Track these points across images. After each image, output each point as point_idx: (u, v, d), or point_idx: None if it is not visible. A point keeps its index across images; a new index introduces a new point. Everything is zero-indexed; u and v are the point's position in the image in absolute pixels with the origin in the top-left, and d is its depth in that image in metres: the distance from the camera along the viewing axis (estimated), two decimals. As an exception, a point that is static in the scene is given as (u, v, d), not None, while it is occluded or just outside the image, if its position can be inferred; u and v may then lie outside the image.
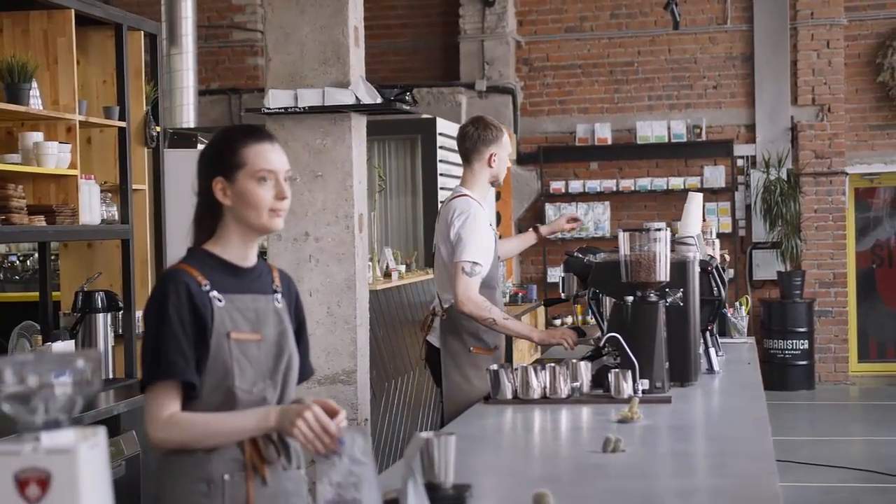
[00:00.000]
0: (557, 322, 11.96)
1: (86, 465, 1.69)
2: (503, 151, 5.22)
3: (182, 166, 6.12)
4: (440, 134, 9.81)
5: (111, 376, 5.39)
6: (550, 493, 2.58)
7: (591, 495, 2.88)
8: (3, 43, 5.19)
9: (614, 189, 12.48)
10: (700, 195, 5.68)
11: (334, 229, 5.73)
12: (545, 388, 4.15)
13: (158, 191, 5.95)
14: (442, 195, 9.71)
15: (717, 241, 6.61)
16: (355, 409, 5.60)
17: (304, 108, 5.64)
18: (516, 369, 4.18)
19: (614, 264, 4.40)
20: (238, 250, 2.80)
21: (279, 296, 2.84)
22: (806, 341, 12.01)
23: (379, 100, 5.66)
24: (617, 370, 4.14)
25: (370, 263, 7.01)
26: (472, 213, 5.01)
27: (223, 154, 2.77)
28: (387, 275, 7.77)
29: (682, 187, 12.19)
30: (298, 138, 5.69)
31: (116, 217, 5.50)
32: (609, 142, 12.59)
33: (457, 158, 9.79)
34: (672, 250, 4.46)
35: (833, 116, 12.32)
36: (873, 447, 9.39)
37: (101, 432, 1.75)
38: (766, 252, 12.37)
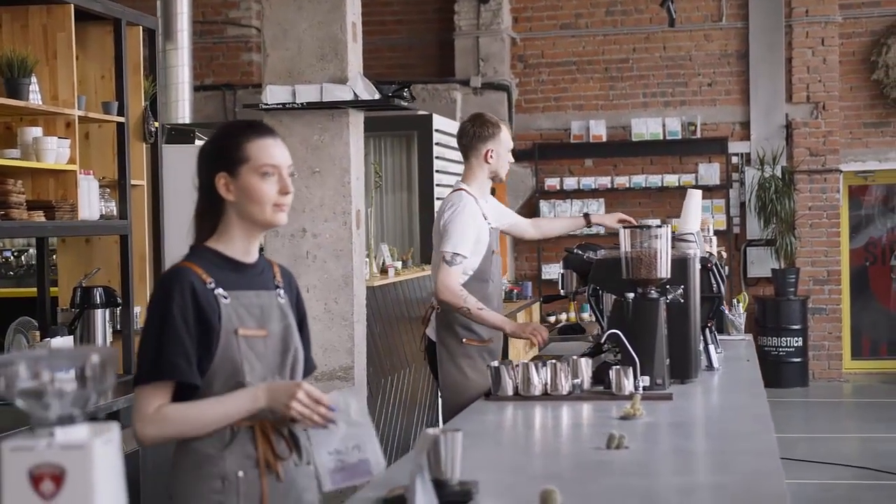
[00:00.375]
0: (552, 319, 11.94)
1: (100, 461, 1.69)
2: (501, 147, 5.24)
3: (180, 162, 6.13)
4: (436, 130, 9.82)
5: (110, 372, 5.37)
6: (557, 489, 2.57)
7: (596, 492, 2.86)
8: (2, 38, 5.18)
9: (609, 186, 12.47)
10: (699, 192, 5.68)
11: (332, 225, 5.73)
12: (546, 384, 4.15)
13: (157, 186, 5.94)
14: (438, 191, 9.71)
15: (715, 239, 6.61)
16: (352, 405, 5.59)
17: (301, 104, 5.64)
18: (517, 366, 4.18)
19: (614, 261, 4.41)
20: (241, 246, 2.79)
21: (281, 291, 2.85)
22: (800, 338, 12.02)
23: (377, 96, 5.66)
24: (618, 367, 4.14)
25: (367, 260, 7.00)
26: (462, 205, 5.08)
27: (226, 149, 2.76)
28: (383, 271, 7.77)
29: (677, 184, 12.20)
30: (296, 134, 5.69)
31: (115, 212, 5.49)
32: (604, 139, 12.57)
33: (453, 155, 9.89)
34: (672, 247, 4.46)
35: (827, 114, 12.33)
36: (867, 444, 9.41)
37: (115, 427, 1.75)
38: (760, 249, 12.37)
